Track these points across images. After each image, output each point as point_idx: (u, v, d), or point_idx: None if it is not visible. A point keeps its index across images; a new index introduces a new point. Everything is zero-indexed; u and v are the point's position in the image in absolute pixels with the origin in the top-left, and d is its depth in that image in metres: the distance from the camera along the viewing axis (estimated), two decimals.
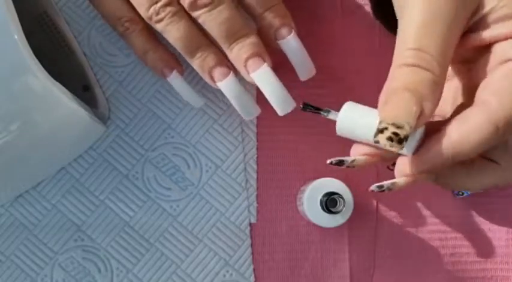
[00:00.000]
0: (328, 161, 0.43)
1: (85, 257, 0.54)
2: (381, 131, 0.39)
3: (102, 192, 0.54)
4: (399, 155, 0.42)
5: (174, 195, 0.54)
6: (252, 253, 0.55)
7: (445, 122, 0.41)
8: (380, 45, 0.56)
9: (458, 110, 0.42)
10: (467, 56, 0.44)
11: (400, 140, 0.39)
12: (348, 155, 0.51)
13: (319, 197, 0.52)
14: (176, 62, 0.51)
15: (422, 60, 0.39)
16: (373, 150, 0.43)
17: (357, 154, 0.43)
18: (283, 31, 0.48)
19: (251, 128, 0.55)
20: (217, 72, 0.48)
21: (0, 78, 0.41)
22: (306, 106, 0.44)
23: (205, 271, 0.54)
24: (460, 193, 0.55)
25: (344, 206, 0.51)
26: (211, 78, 0.49)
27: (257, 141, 0.55)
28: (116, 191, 0.54)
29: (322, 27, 0.56)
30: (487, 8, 0.41)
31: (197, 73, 0.53)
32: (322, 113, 0.43)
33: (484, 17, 0.41)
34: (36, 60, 0.41)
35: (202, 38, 0.48)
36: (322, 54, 0.55)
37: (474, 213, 0.56)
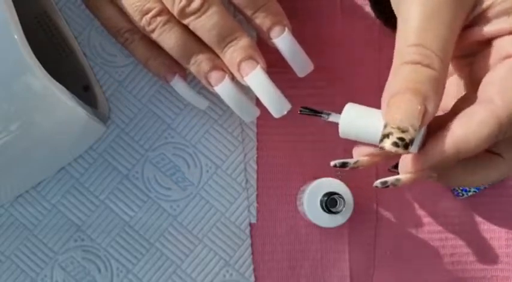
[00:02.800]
0: (332, 163, 0.44)
1: (85, 257, 0.54)
2: (386, 136, 0.39)
3: (102, 192, 0.54)
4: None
5: (174, 195, 0.54)
6: (252, 253, 0.54)
7: (447, 117, 0.41)
8: (380, 44, 0.56)
9: (460, 103, 0.42)
10: (467, 50, 0.44)
11: (406, 145, 0.39)
12: (350, 152, 0.51)
13: (319, 197, 0.52)
14: (178, 66, 0.51)
15: (423, 57, 0.39)
16: (376, 150, 0.43)
17: (360, 155, 0.44)
18: (275, 30, 0.48)
19: (251, 128, 0.55)
20: (213, 76, 0.49)
21: (0, 78, 0.41)
22: (305, 110, 0.43)
23: (205, 271, 0.54)
24: (461, 194, 0.55)
25: (344, 206, 0.51)
26: (208, 82, 0.49)
27: (257, 141, 0.55)
28: (116, 191, 0.54)
29: (322, 27, 0.56)
30: (487, 2, 0.41)
31: (194, 76, 0.53)
32: (322, 116, 0.43)
33: (484, 12, 0.41)
34: (36, 60, 0.41)
35: (195, 44, 0.48)
36: (322, 54, 0.55)
37: (474, 213, 0.56)
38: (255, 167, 0.55)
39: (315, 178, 0.53)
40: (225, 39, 0.47)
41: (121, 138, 0.55)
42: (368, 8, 0.56)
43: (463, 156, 0.40)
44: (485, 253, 0.55)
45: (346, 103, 0.42)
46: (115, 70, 0.55)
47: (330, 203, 0.51)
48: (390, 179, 0.42)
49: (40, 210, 0.54)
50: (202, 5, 0.46)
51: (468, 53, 0.44)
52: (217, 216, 0.55)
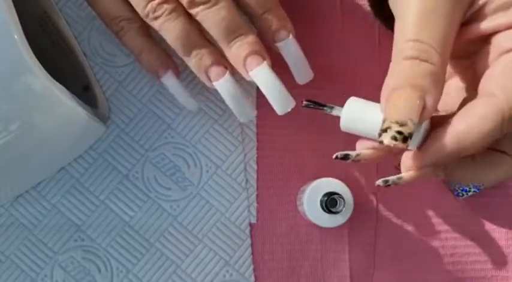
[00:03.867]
0: (334, 156, 0.44)
1: (85, 257, 0.54)
2: (384, 130, 0.39)
3: (102, 192, 0.54)
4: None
5: (174, 195, 0.54)
6: (252, 253, 0.54)
7: (451, 116, 0.41)
8: (380, 45, 0.56)
9: (463, 105, 0.42)
10: (466, 49, 0.44)
11: (405, 138, 0.39)
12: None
13: (319, 197, 0.52)
14: (172, 63, 0.50)
15: (421, 52, 0.39)
16: (378, 144, 0.42)
17: (363, 148, 0.44)
18: (282, 33, 0.48)
19: (251, 128, 0.55)
20: (214, 71, 0.48)
21: (0, 78, 0.41)
22: (309, 103, 0.44)
23: (205, 271, 0.54)
24: (461, 194, 0.55)
25: (344, 206, 0.51)
26: (208, 77, 0.49)
27: (257, 141, 0.55)
28: (116, 191, 0.54)
29: (322, 27, 0.56)
30: None
31: (194, 76, 0.53)
32: (325, 109, 0.43)
33: (481, 8, 0.41)
34: (36, 60, 0.41)
35: (199, 36, 0.48)
36: (322, 54, 0.55)
37: (474, 213, 0.56)
38: (255, 167, 0.55)
39: (315, 178, 0.53)
40: (233, 33, 0.47)
41: (121, 138, 0.55)
42: (368, 8, 0.56)
43: (465, 152, 0.40)
44: (486, 253, 0.55)
45: (349, 98, 0.43)
46: (115, 70, 0.55)
47: (330, 203, 0.51)
48: (392, 177, 0.42)
49: (40, 210, 0.54)
50: None
51: (468, 54, 0.44)
52: (217, 216, 0.55)
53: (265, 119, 0.55)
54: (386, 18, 0.54)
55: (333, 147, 0.55)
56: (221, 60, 0.48)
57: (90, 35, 0.55)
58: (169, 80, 0.50)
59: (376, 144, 0.43)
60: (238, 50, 0.47)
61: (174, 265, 0.54)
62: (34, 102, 0.43)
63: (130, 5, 0.48)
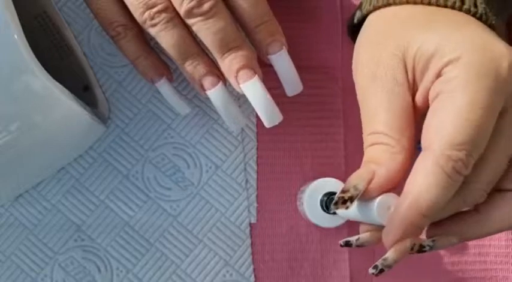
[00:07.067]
0: (339, 242, 0.44)
1: (85, 257, 0.54)
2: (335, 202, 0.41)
3: (102, 192, 0.54)
4: None
5: (174, 195, 0.54)
6: (252, 253, 0.54)
7: None
8: None
9: None
10: None
11: (344, 201, 0.40)
12: (350, 158, 0.50)
13: (319, 197, 0.52)
14: (166, 69, 0.51)
15: (376, 139, 0.41)
16: (372, 225, 0.43)
17: (363, 231, 0.44)
18: (275, 46, 0.49)
19: (251, 128, 0.55)
20: (207, 81, 0.49)
21: (0, 78, 0.41)
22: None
23: (205, 271, 0.54)
24: None
25: None
26: (201, 86, 0.49)
27: (257, 141, 0.55)
28: (116, 191, 0.54)
29: (322, 27, 0.56)
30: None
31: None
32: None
33: (414, 82, 0.42)
34: (36, 60, 0.41)
35: (194, 45, 0.49)
36: (322, 54, 0.55)
37: None
38: (255, 167, 0.55)
39: (315, 178, 0.53)
40: (227, 45, 0.47)
41: (121, 138, 0.55)
42: None
43: (432, 213, 0.39)
44: (485, 253, 0.55)
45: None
46: (115, 70, 0.55)
47: (330, 203, 0.51)
48: (379, 261, 0.41)
49: (40, 210, 0.54)
50: (211, 9, 0.46)
51: None
52: (217, 216, 0.55)
53: None
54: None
55: (332, 148, 0.55)
56: (215, 70, 0.49)
57: (90, 35, 0.55)
58: (164, 86, 0.51)
59: (370, 227, 0.43)
60: (231, 62, 0.48)
61: (174, 265, 0.54)
62: (34, 102, 0.43)
63: (128, 11, 0.49)
